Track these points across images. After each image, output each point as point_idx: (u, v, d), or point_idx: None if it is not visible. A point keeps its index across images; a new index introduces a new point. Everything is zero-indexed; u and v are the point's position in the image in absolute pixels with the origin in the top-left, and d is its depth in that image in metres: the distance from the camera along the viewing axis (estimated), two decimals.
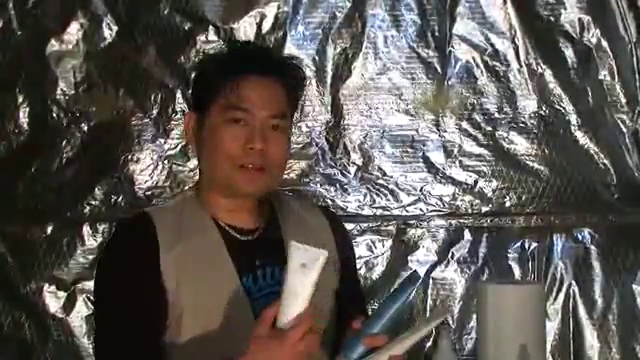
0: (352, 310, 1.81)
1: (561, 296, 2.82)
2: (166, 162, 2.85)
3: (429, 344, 2.79)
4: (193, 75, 1.92)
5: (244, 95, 1.75)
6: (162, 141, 2.86)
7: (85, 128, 2.83)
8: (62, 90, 2.83)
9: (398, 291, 1.70)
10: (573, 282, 2.83)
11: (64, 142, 2.83)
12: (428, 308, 2.84)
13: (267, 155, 1.75)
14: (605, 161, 2.83)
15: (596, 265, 2.83)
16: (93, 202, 2.84)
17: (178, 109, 2.83)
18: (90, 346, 2.80)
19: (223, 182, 1.76)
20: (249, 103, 1.75)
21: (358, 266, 2.77)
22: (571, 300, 2.82)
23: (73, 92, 2.83)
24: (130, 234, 1.76)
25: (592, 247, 2.83)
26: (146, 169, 2.85)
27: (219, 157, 1.74)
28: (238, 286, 1.73)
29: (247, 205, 1.79)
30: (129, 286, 1.70)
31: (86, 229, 2.83)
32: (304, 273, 1.57)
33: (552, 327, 2.80)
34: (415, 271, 1.80)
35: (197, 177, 2.71)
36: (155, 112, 2.84)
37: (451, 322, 2.82)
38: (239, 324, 1.69)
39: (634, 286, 2.81)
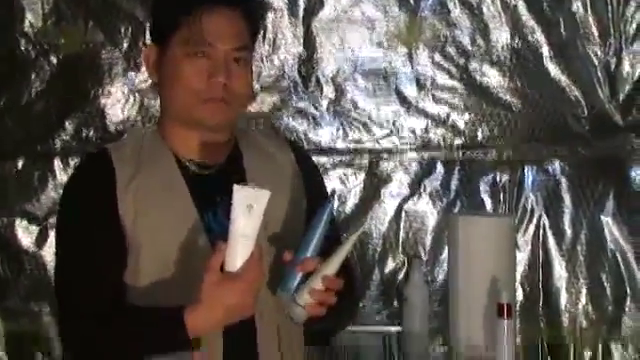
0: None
1: (531, 227, 2.87)
2: (137, 95, 2.85)
3: (401, 276, 2.88)
4: (152, 5, 1.91)
5: (206, 28, 1.74)
6: (133, 74, 2.85)
7: (54, 61, 2.83)
8: (30, 22, 2.83)
9: (316, 215, 1.73)
10: (543, 214, 2.87)
11: (33, 75, 2.83)
12: (400, 241, 2.89)
13: (231, 88, 1.76)
14: (576, 93, 2.86)
15: (566, 197, 2.87)
16: (64, 136, 2.85)
17: (149, 42, 2.76)
18: None
19: (186, 115, 1.77)
20: (212, 36, 1.75)
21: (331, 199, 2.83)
22: (541, 231, 2.87)
23: (41, 24, 2.82)
24: (86, 172, 1.77)
25: (562, 179, 2.87)
26: (117, 103, 2.86)
27: (182, 91, 1.74)
28: (197, 222, 1.73)
29: (209, 139, 1.80)
30: (85, 226, 1.73)
31: (57, 163, 2.85)
32: (250, 214, 1.60)
33: (522, 258, 2.85)
34: (327, 198, 1.84)
35: None
36: (125, 45, 2.83)
37: (423, 254, 2.88)
38: (198, 261, 1.68)
39: (602, 217, 2.88)
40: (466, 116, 2.89)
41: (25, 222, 2.86)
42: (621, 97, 2.87)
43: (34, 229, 2.87)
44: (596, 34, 2.85)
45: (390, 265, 2.90)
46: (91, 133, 2.86)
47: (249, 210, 1.60)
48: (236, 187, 1.62)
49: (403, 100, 2.90)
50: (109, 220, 1.72)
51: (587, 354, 2.87)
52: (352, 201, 2.90)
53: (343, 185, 2.89)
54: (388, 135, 2.90)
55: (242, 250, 1.61)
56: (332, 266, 1.70)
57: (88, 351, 1.71)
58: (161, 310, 1.67)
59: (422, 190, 2.91)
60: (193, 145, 1.78)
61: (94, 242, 1.72)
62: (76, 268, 1.74)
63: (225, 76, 1.75)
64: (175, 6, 1.76)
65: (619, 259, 2.88)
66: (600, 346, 2.86)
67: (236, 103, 1.79)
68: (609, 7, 2.84)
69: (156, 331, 1.66)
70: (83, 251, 1.73)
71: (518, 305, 2.81)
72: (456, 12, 2.86)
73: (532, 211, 2.89)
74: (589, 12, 2.85)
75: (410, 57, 2.88)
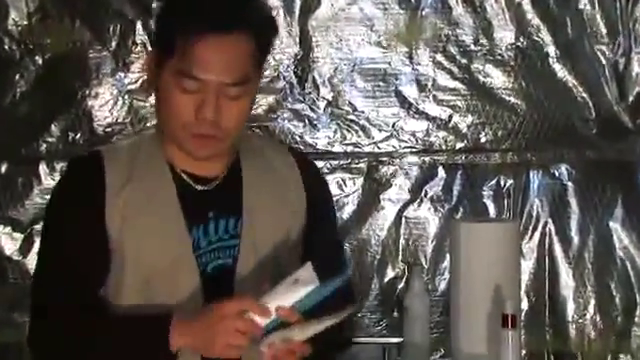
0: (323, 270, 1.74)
1: (537, 234, 2.88)
2: (126, 97, 2.85)
3: (401, 285, 2.87)
4: (155, 16, 1.86)
5: (199, 60, 1.65)
6: (122, 75, 2.85)
7: (40, 61, 2.83)
8: (14, 20, 2.82)
9: (328, 283, 1.68)
10: (549, 220, 2.87)
11: (17, 76, 2.83)
12: (400, 248, 2.89)
13: (221, 125, 1.69)
14: (584, 94, 2.86)
15: (573, 202, 2.88)
16: (49, 139, 2.85)
17: (138, 41, 2.82)
18: None
19: (177, 142, 1.73)
20: (203, 71, 1.66)
21: None
22: (547, 238, 2.87)
23: (26, 22, 2.82)
24: (76, 176, 1.75)
25: (569, 184, 2.87)
26: (105, 104, 2.86)
27: (171, 120, 1.70)
28: (185, 237, 1.71)
29: (204, 161, 1.77)
30: (68, 230, 1.71)
31: (43, 168, 2.85)
32: (293, 288, 1.64)
33: (527, 266, 2.85)
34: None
35: None
36: (114, 44, 2.83)
37: (424, 262, 2.87)
38: (183, 277, 1.69)
39: (611, 224, 2.87)
40: (469, 118, 2.89)
41: (9, 229, 2.85)
42: (630, 98, 2.87)
43: (18, 236, 2.86)
44: (604, 33, 2.85)
45: (390, 274, 2.90)
46: (78, 136, 2.85)
47: (295, 284, 1.64)
48: (309, 265, 1.65)
49: (403, 102, 2.89)
50: (94, 226, 1.70)
51: None
52: (350, 207, 2.89)
53: (341, 190, 2.88)
54: (387, 138, 2.89)
55: (276, 299, 1.65)
56: (308, 331, 1.67)
57: (56, 353, 1.70)
58: (145, 319, 1.66)
59: (423, 195, 2.90)
60: (189, 159, 1.75)
61: (76, 247, 1.70)
62: (54, 272, 1.72)
63: (214, 113, 1.67)
64: (172, 29, 1.68)
65: (628, 267, 2.87)
66: (609, 358, 2.87)
67: (228, 138, 1.73)
68: (618, 5, 2.83)
69: (138, 339, 1.64)
70: (63, 255, 1.71)
71: (523, 315, 2.79)
72: (458, 10, 2.85)
73: (537, 217, 2.89)
74: (597, 10, 2.84)
75: (410, 57, 2.87)
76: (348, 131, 2.88)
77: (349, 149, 2.89)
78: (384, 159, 2.89)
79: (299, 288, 1.64)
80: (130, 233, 1.70)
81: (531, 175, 2.88)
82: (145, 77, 1.79)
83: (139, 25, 2.82)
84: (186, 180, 1.74)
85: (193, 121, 1.68)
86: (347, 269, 1.94)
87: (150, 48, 2.64)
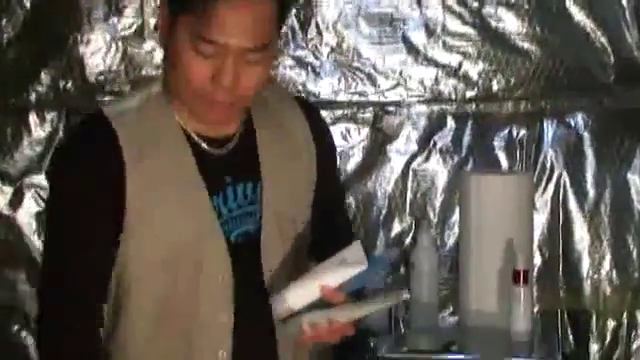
0: (330, 224, 1.80)
1: (551, 186, 2.87)
2: (120, 43, 2.83)
3: (408, 240, 2.86)
4: None
5: (220, 22, 1.56)
6: (115, 20, 2.83)
7: (28, 5, 2.81)
8: None
9: (369, 272, 1.66)
10: (564, 171, 2.87)
11: (4, 21, 2.81)
12: (407, 202, 2.88)
13: (236, 91, 1.62)
14: (602, 39, 2.84)
15: (589, 153, 2.87)
16: (39, 88, 2.83)
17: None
18: (41, 244, 2.79)
19: (188, 105, 1.66)
20: (224, 35, 1.57)
21: None
22: (561, 191, 2.86)
23: None
24: (89, 150, 1.65)
25: (585, 134, 2.87)
26: (98, 51, 2.84)
27: (181, 82, 1.63)
28: (209, 207, 1.68)
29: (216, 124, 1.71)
30: (86, 215, 1.65)
31: (32, 118, 2.84)
32: (342, 267, 1.62)
33: (540, 220, 2.84)
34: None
35: (156, 60, 2.78)
36: None
37: (432, 216, 2.86)
38: (210, 249, 1.67)
39: (629, 175, 2.86)
40: (480, 65, 2.87)
41: None
42: None
43: (7, 190, 2.86)
44: None
45: (396, 228, 2.89)
46: (69, 85, 2.83)
47: (342, 264, 1.63)
48: (357, 244, 1.64)
49: (411, 48, 2.87)
50: (113, 210, 1.64)
51: (611, 324, 2.87)
52: (355, 159, 2.89)
53: (345, 141, 2.88)
54: (394, 87, 2.88)
55: (322, 278, 1.64)
56: (354, 314, 1.66)
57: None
58: None
59: (431, 147, 2.89)
60: (201, 121, 1.68)
61: (96, 236, 1.65)
62: (72, 268, 1.66)
63: (231, 79, 1.60)
64: None
65: None
66: (625, 315, 2.87)
67: (242, 103, 1.68)
68: None
69: None
70: (81, 246, 1.65)
71: (535, 271, 2.79)
72: None
73: (552, 169, 2.88)
74: None
75: (419, 1, 2.85)
76: (353, 79, 2.87)
77: (354, 98, 2.87)
78: (391, 109, 2.88)
79: (347, 269, 1.63)
80: (151, 210, 1.65)
81: (545, 125, 2.87)
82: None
83: None
84: (201, 145, 1.68)
85: (208, 87, 1.61)
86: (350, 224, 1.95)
87: None
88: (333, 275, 1.64)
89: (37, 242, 2.83)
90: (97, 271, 1.66)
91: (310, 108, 1.85)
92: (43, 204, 2.83)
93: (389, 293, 1.68)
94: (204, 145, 1.68)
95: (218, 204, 1.68)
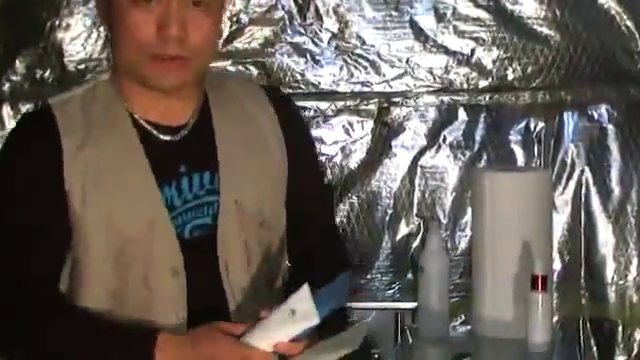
0: (310, 226, 1.82)
1: (572, 184, 2.87)
2: (101, 29, 2.82)
3: (416, 243, 2.88)
4: None
5: None
6: None
7: None
8: None
9: (332, 286, 1.69)
10: (586, 168, 2.87)
11: None
12: (415, 201, 2.88)
13: (187, 42, 1.67)
14: (628, 23, 2.84)
15: (614, 148, 2.87)
16: (14, 77, 2.83)
17: None
18: None
19: (134, 73, 1.70)
20: None
21: (333, 152, 2.87)
22: (583, 189, 2.87)
23: None
24: (24, 139, 1.71)
25: (609, 127, 2.87)
26: (77, 37, 2.83)
27: (127, 44, 1.67)
28: (157, 199, 1.70)
29: (170, 97, 1.73)
30: (23, 205, 1.68)
31: (6, 110, 2.84)
32: (290, 321, 1.63)
33: (560, 221, 2.85)
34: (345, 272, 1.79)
35: None
36: None
37: (442, 217, 2.87)
38: (159, 243, 1.69)
39: None
40: (494, 52, 2.86)
41: None
42: None
43: None
44: None
45: (403, 230, 2.89)
46: (47, 74, 2.82)
47: (291, 316, 1.64)
48: (305, 289, 1.64)
49: (419, 33, 2.86)
50: (53, 198, 1.67)
51: (638, 334, 2.88)
52: (358, 154, 2.88)
53: (347, 135, 2.88)
54: (401, 76, 2.87)
55: (262, 341, 1.65)
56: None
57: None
58: (128, 331, 1.66)
59: (441, 141, 2.89)
60: (152, 105, 1.73)
61: (33, 226, 1.67)
62: (12, 256, 1.68)
63: (178, 28, 1.65)
64: None
65: None
66: None
67: (195, 60, 1.71)
68: None
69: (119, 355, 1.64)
70: (21, 237, 1.68)
71: (555, 276, 2.77)
72: None
73: (573, 165, 2.88)
74: None
75: None
76: (356, 68, 2.86)
77: (357, 88, 2.87)
78: (397, 100, 2.87)
79: (296, 324, 1.64)
80: (95, 200, 1.68)
81: (565, 117, 2.87)
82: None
83: None
84: (150, 130, 1.72)
85: (154, 41, 1.65)
86: (337, 230, 2.03)
87: None
88: (284, 330, 1.64)
89: None
90: (50, 257, 1.68)
91: (279, 97, 1.87)
92: None
93: (351, 331, 1.68)
94: (154, 132, 1.71)
95: (171, 195, 1.71)
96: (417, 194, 2.87)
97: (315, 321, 1.63)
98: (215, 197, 1.72)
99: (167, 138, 1.71)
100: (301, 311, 1.63)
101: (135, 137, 1.70)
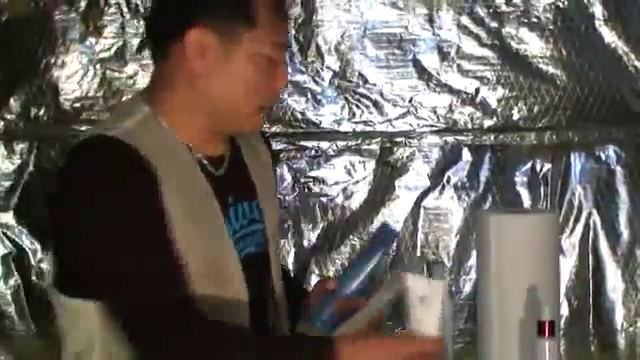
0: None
1: (579, 227, 2.88)
2: (98, 67, 2.88)
3: None
4: None
5: (283, 26, 1.78)
6: (93, 41, 2.87)
7: None
8: None
9: (372, 249, 1.80)
10: (594, 210, 2.88)
11: None
12: (418, 243, 2.89)
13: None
14: (636, 63, 2.87)
15: (622, 190, 2.88)
16: (8, 116, 2.86)
17: (112, 1, 2.84)
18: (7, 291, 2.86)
19: (227, 119, 1.77)
20: (285, 37, 1.80)
21: (334, 193, 2.90)
22: (591, 232, 2.88)
23: None
24: (122, 163, 1.69)
25: (617, 168, 2.88)
26: (73, 75, 2.86)
27: (240, 95, 1.75)
28: (224, 229, 1.77)
29: (222, 139, 1.84)
30: (143, 211, 1.69)
31: (0, 149, 2.87)
32: (425, 307, 1.69)
33: (568, 265, 2.86)
34: (387, 225, 1.88)
35: (137, 85, 2.80)
36: (83, 4, 2.85)
37: (446, 260, 2.87)
38: (229, 272, 1.75)
39: None
40: (499, 92, 2.88)
41: None
42: None
43: None
44: None
45: None
46: (41, 112, 2.86)
47: (423, 302, 1.69)
48: (409, 276, 1.70)
49: (422, 72, 2.88)
50: (165, 220, 1.69)
51: None
52: (360, 195, 2.89)
53: (349, 176, 2.89)
54: (404, 115, 2.89)
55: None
56: (371, 313, 1.74)
57: None
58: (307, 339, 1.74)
59: (445, 182, 2.90)
60: (206, 140, 1.79)
61: (161, 240, 1.69)
62: (152, 265, 1.68)
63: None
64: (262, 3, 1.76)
65: None
66: None
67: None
68: None
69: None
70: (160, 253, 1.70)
71: (563, 322, 2.78)
72: None
73: (580, 207, 2.89)
74: None
75: (431, 20, 2.87)
76: (358, 107, 2.88)
77: (359, 128, 2.88)
78: (400, 139, 2.89)
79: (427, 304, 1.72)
80: (178, 224, 1.71)
81: (572, 158, 2.88)
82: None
83: None
84: (205, 163, 1.78)
85: (267, 94, 1.77)
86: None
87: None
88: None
89: (3, 288, 2.86)
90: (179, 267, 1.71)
91: (265, 135, 2.00)
92: (10, 245, 2.85)
93: (389, 282, 1.74)
94: (209, 167, 1.77)
95: (227, 225, 1.78)
96: (420, 236, 2.88)
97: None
98: (256, 226, 1.81)
99: (217, 171, 1.77)
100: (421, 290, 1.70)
101: (199, 170, 1.75)
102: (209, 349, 1.68)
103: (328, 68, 2.87)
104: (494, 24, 2.86)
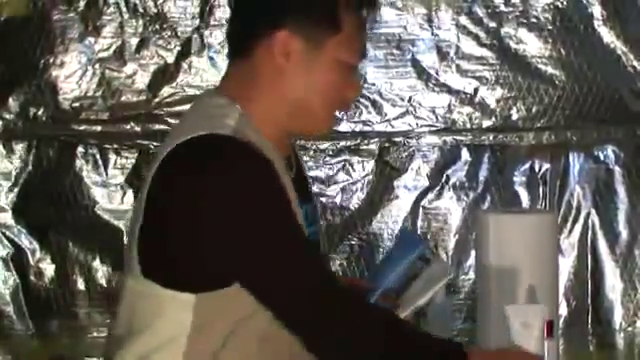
0: None
1: (578, 227, 2.88)
2: (97, 66, 2.88)
3: None
4: None
5: (364, 31, 1.84)
6: (92, 40, 2.88)
7: None
8: None
9: (404, 248, 1.91)
10: (592, 210, 2.88)
11: None
12: None
13: None
14: (635, 63, 2.86)
15: (620, 190, 2.88)
16: (7, 116, 2.87)
17: (111, 1, 2.84)
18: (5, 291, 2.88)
19: (307, 120, 1.81)
20: (365, 47, 1.87)
21: (333, 193, 2.90)
22: (590, 232, 2.88)
23: None
24: (262, 161, 1.74)
25: (616, 168, 2.88)
26: (72, 75, 2.87)
27: (322, 98, 1.79)
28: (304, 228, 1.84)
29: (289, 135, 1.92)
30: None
31: None
32: (527, 331, 1.82)
33: (566, 265, 2.85)
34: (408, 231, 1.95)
35: (137, 85, 2.83)
36: (82, 4, 2.85)
37: (445, 259, 2.85)
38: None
39: None
40: (498, 92, 2.89)
41: None
42: None
43: None
44: None
45: None
46: (40, 112, 2.87)
47: (524, 328, 1.82)
48: (511, 308, 1.86)
49: (421, 72, 2.89)
50: (292, 206, 1.78)
51: None
52: (359, 195, 2.90)
53: (348, 176, 2.90)
54: (403, 115, 2.89)
55: None
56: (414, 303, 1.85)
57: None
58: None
59: (444, 182, 2.90)
60: (282, 139, 1.83)
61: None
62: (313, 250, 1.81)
63: None
64: (334, 4, 1.80)
65: None
66: None
67: None
68: None
69: None
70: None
71: (562, 322, 2.79)
72: None
73: (578, 207, 2.89)
74: None
75: (430, 20, 2.88)
76: (356, 107, 2.88)
77: (358, 128, 2.89)
78: (398, 139, 2.89)
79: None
80: None
81: (571, 158, 2.89)
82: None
83: None
84: (288, 170, 1.84)
85: (348, 101, 1.85)
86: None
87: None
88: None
89: (2, 288, 2.87)
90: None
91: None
92: (9, 245, 2.87)
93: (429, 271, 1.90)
94: (289, 170, 1.83)
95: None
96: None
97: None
98: (311, 228, 1.84)
99: (292, 175, 1.82)
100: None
101: (288, 171, 1.81)
102: (363, 334, 1.72)
103: None
104: (493, 24, 2.86)
